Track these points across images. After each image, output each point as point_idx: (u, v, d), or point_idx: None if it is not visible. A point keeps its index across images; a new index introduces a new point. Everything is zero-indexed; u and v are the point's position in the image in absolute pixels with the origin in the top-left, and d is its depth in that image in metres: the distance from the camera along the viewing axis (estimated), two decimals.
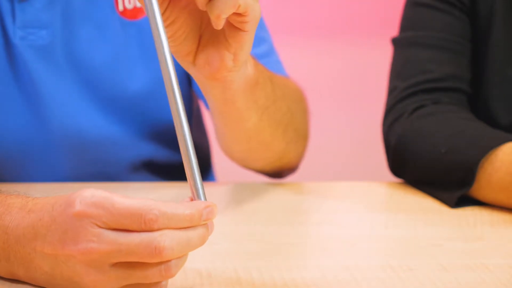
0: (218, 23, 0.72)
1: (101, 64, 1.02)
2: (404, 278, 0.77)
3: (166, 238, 0.64)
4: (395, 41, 1.16)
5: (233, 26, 0.75)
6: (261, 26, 1.11)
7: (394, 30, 1.20)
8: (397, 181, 1.07)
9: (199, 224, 0.66)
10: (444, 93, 1.09)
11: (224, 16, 0.72)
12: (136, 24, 1.03)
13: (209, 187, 1.03)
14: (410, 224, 0.92)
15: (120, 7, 1.02)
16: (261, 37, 1.09)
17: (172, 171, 1.12)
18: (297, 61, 1.12)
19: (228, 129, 0.98)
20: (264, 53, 1.08)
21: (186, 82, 1.10)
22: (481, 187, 0.95)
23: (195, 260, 0.79)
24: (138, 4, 1.02)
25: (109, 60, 1.02)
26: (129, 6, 1.02)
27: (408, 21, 1.16)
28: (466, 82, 1.11)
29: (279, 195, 0.99)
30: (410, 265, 0.80)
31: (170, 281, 0.75)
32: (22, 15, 0.97)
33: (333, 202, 0.97)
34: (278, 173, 1.07)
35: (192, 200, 0.68)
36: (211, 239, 0.84)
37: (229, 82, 0.81)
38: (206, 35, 0.78)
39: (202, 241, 0.67)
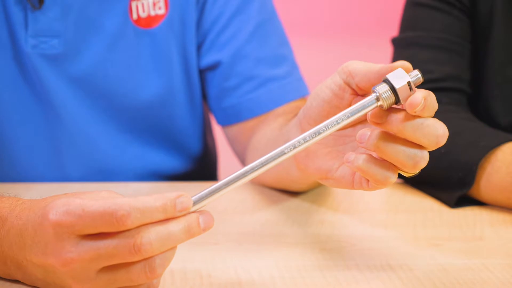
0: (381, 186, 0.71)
1: (113, 73, 1.02)
2: (404, 278, 0.77)
3: (143, 234, 0.63)
4: (395, 41, 1.16)
5: None
6: (282, 41, 1.10)
7: (393, 30, 1.20)
8: (397, 181, 1.07)
9: (175, 215, 0.64)
10: (443, 93, 1.09)
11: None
12: (150, 33, 1.03)
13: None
14: (410, 224, 0.92)
15: (134, 16, 1.01)
16: (281, 55, 1.08)
17: (177, 180, 1.12)
18: (297, 61, 1.11)
19: (282, 185, 0.99)
20: (286, 73, 1.08)
21: (201, 96, 1.10)
22: (481, 187, 0.95)
23: (195, 260, 0.80)
24: (152, 13, 1.02)
25: (121, 70, 1.02)
26: (143, 14, 1.01)
27: (408, 21, 1.16)
28: (465, 82, 1.11)
29: (279, 195, 0.99)
30: (410, 265, 0.80)
31: (170, 281, 0.75)
32: (35, 24, 0.97)
33: (333, 202, 0.97)
34: None
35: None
36: (211, 239, 0.85)
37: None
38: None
39: (186, 234, 0.65)
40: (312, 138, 0.68)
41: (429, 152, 1.00)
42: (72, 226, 0.64)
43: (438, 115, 1.05)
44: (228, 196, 0.99)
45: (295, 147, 0.68)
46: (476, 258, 0.82)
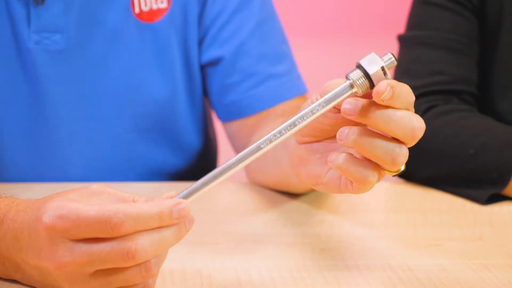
0: (365, 188, 0.69)
1: (117, 69, 1.02)
2: (404, 278, 0.77)
3: (137, 241, 0.63)
4: (402, 39, 1.14)
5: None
6: (282, 40, 1.10)
7: (394, 30, 1.20)
8: (397, 181, 1.07)
9: (172, 223, 0.64)
10: (454, 96, 1.08)
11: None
12: (152, 27, 1.02)
13: None
14: (410, 224, 0.92)
15: (136, 10, 1.01)
16: (282, 53, 1.09)
17: (176, 177, 1.12)
18: (297, 61, 1.12)
19: (281, 188, 0.99)
20: (286, 71, 1.08)
21: (201, 91, 1.10)
22: None
23: (195, 260, 0.80)
24: (154, 7, 1.02)
25: (124, 65, 1.02)
26: (145, 8, 1.01)
27: (416, 19, 1.15)
28: (474, 84, 1.11)
29: (279, 196, 0.99)
30: (410, 265, 0.80)
31: (170, 281, 0.75)
32: (38, 20, 0.97)
33: (333, 203, 0.97)
34: None
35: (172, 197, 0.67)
36: (211, 239, 0.85)
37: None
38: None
39: (177, 238, 0.65)
40: (288, 130, 0.67)
41: (455, 153, 1.00)
42: (66, 231, 0.64)
43: (454, 113, 1.04)
44: (228, 197, 0.99)
45: (271, 141, 0.67)
46: (476, 258, 0.82)
